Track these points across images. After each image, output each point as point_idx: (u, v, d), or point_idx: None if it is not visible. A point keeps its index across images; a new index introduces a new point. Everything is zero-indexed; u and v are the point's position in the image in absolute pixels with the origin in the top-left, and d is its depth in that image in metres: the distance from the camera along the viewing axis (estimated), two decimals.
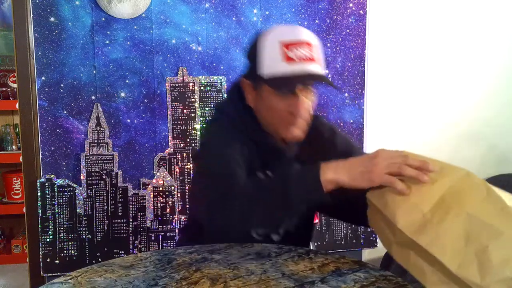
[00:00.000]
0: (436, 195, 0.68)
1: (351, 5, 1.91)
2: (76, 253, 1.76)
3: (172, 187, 1.82)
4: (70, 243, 1.75)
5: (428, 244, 0.63)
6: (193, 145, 1.82)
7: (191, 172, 1.81)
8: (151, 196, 1.81)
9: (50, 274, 1.74)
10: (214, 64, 1.81)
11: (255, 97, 1.02)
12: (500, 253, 0.58)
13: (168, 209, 1.82)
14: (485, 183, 0.67)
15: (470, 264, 0.59)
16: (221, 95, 1.83)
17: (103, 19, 1.72)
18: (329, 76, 1.92)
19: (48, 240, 1.74)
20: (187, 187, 1.83)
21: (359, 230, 1.99)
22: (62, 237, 1.75)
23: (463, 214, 0.63)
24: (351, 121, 1.97)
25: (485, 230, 0.60)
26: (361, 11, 1.92)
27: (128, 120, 1.78)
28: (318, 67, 0.98)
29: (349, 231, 1.98)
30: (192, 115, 1.82)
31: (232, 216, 0.84)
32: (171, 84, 1.79)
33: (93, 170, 1.76)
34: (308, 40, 0.97)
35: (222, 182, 0.89)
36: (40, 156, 1.72)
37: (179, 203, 1.82)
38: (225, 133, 1.02)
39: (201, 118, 1.83)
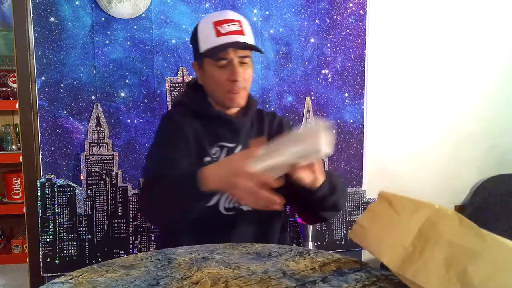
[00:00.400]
0: (414, 228, 0.72)
1: (351, 5, 1.91)
2: (76, 253, 1.76)
3: None
4: (70, 243, 1.75)
5: (413, 276, 0.67)
6: None
7: None
8: None
9: (50, 274, 1.74)
10: None
11: (202, 74, 1.17)
12: (480, 272, 0.61)
13: None
14: (457, 213, 0.70)
15: (454, 287, 0.62)
16: None
17: (103, 19, 1.72)
18: (329, 76, 1.92)
19: (48, 240, 1.74)
20: None
21: None
22: (62, 237, 1.74)
23: (442, 242, 0.67)
24: (351, 121, 1.97)
25: (463, 254, 0.64)
26: (361, 11, 1.92)
27: (128, 120, 1.78)
28: (246, 38, 1.11)
29: (349, 231, 1.98)
30: None
31: (154, 209, 1.02)
32: (171, 84, 1.79)
33: (93, 170, 1.76)
34: (236, 18, 1.13)
35: (151, 181, 1.06)
36: (40, 156, 1.72)
37: None
38: (172, 128, 1.15)
39: None
